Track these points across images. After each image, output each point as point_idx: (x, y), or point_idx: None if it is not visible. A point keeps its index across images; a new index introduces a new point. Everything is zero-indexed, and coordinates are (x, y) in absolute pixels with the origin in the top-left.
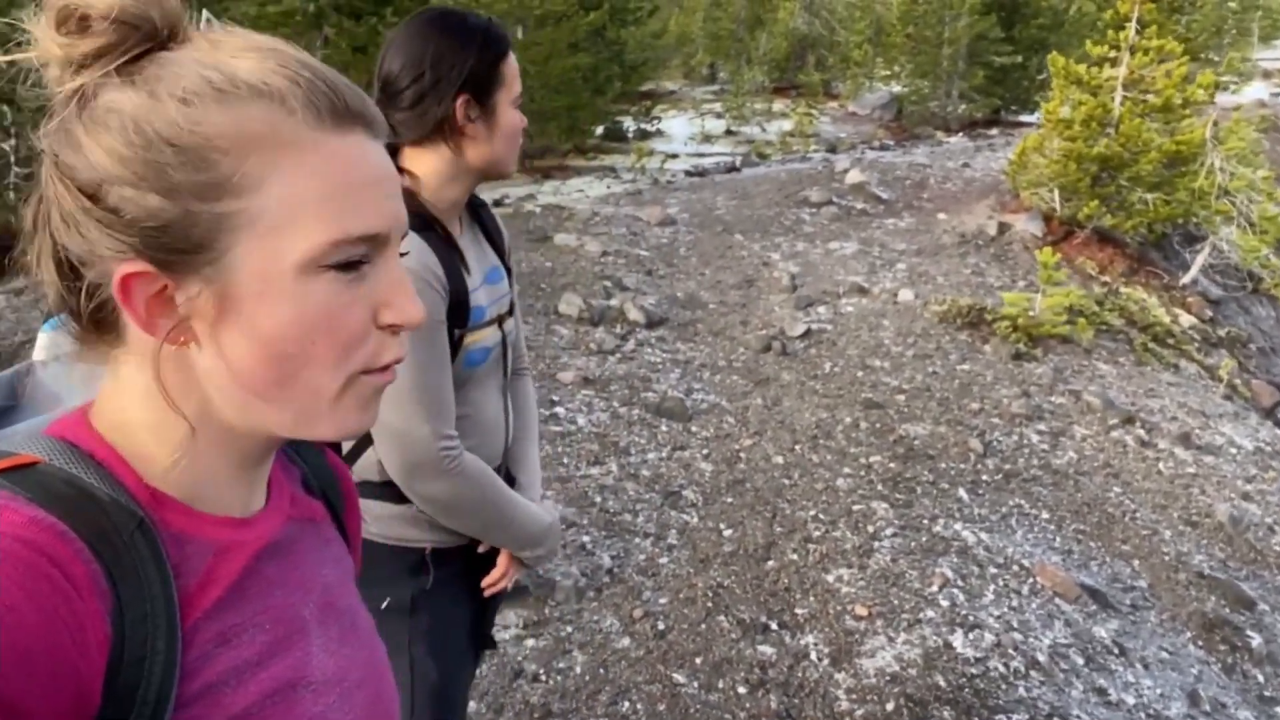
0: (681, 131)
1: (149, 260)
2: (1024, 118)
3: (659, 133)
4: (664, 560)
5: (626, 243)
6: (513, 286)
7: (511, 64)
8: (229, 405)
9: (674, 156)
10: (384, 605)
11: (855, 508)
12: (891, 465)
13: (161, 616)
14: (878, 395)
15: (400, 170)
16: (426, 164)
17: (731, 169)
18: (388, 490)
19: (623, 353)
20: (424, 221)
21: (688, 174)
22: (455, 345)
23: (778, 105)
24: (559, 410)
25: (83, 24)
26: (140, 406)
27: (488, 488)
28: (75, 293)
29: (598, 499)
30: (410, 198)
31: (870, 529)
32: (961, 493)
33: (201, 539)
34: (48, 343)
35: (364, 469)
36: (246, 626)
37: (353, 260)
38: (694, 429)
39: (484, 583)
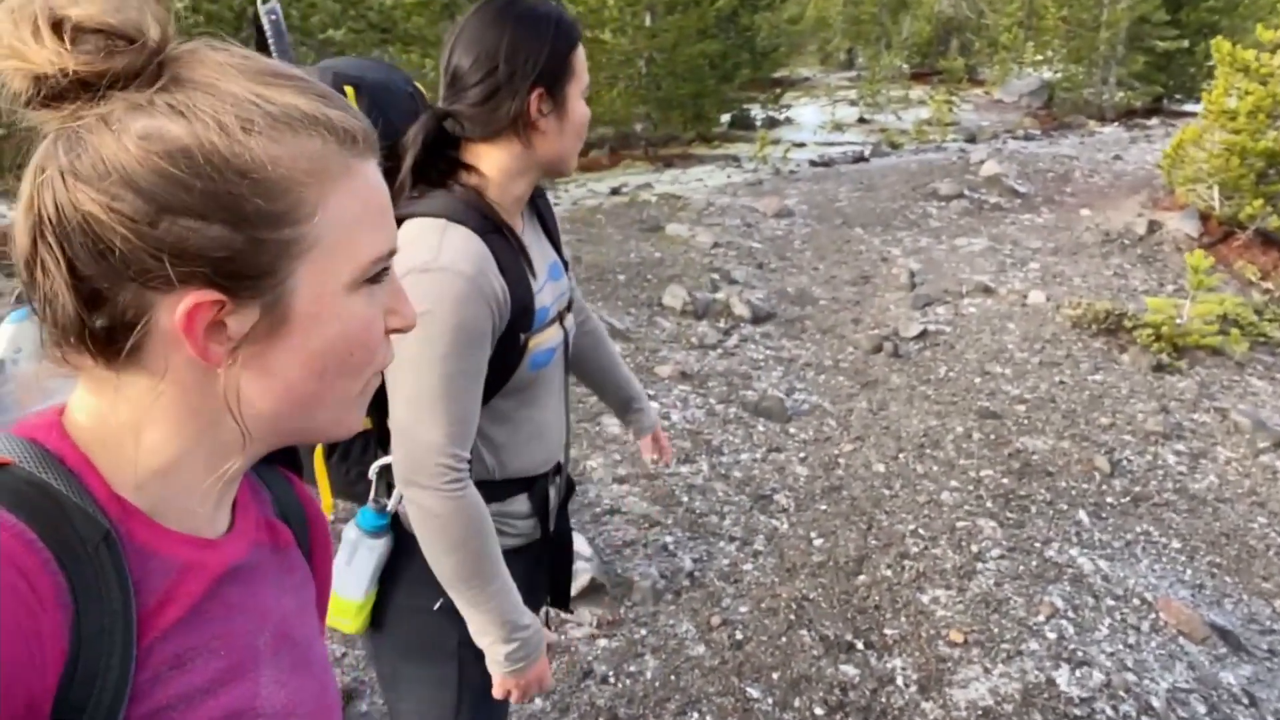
0: (812, 120)
1: (217, 289)
2: (1189, 107)
3: (788, 121)
4: (748, 566)
5: (739, 234)
6: (571, 279)
7: (581, 55)
8: (258, 420)
9: (801, 145)
10: (436, 606)
11: (960, 524)
12: (1004, 481)
13: (119, 633)
14: (995, 404)
15: (467, 166)
16: (494, 160)
17: (859, 159)
18: None
19: (725, 348)
20: (492, 224)
21: (812, 164)
22: (521, 349)
23: (916, 92)
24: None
25: (86, 35)
26: (141, 425)
27: (476, 535)
28: (94, 321)
29: (685, 498)
30: (478, 197)
31: (974, 549)
32: (1081, 515)
33: (165, 556)
34: (12, 334)
35: None
36: (201, 651)
37: (379, 274)
38: (792, 430)
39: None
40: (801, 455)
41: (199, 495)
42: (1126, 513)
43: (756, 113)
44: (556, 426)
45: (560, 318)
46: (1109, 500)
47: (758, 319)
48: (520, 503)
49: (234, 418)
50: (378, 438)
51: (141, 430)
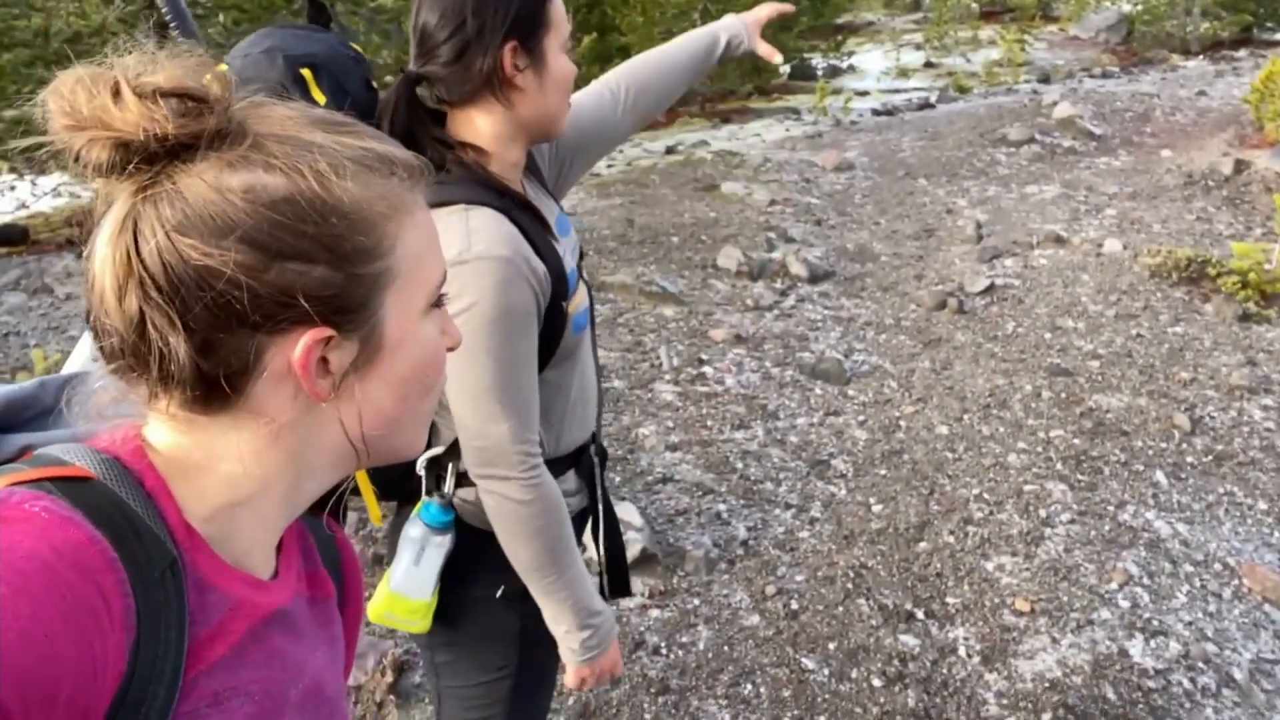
0: (876, 66)
1: (327, 325)
2: None
3: (851, 69)
4: (804, 534)
5: (797, 190)
6: (579, 143)
7: (558, 4)
8: (357, 443)
9: (864, 94)
10: (498, 594)
11: (1027, 488)
12: (1075, 441)
13: (170, 662)
14: (1066, 361)
15: (460, 143)
16: (484, 128)
17: (924, 105)
18: None
19: (781, 309)
20: (511, 199)
21: (875, 113)
22: (564, 317)
23: (986, 33)
24: (706, 370)
25: (169, 102)
26: (224, 458)
27: (555, 522)
28: (201, 368)
29: (739, 465)
30: (485, 174)
31: (1043, 513)
32: (1159, 476)
33: (222, 590)
34: (93, 351)
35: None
36: (238, 693)
37: (441, 297)
38: (851, 393)
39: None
40: (861, 419)
41: (267, 529)
42: (1208, 473)
43: (817, 62)
44: (593, 386)
45: (580, 271)
46: (1189, 460)
47: (815, 278)
48: (570, 479)
49: (351, 442)
50: None
51: (222, 463)
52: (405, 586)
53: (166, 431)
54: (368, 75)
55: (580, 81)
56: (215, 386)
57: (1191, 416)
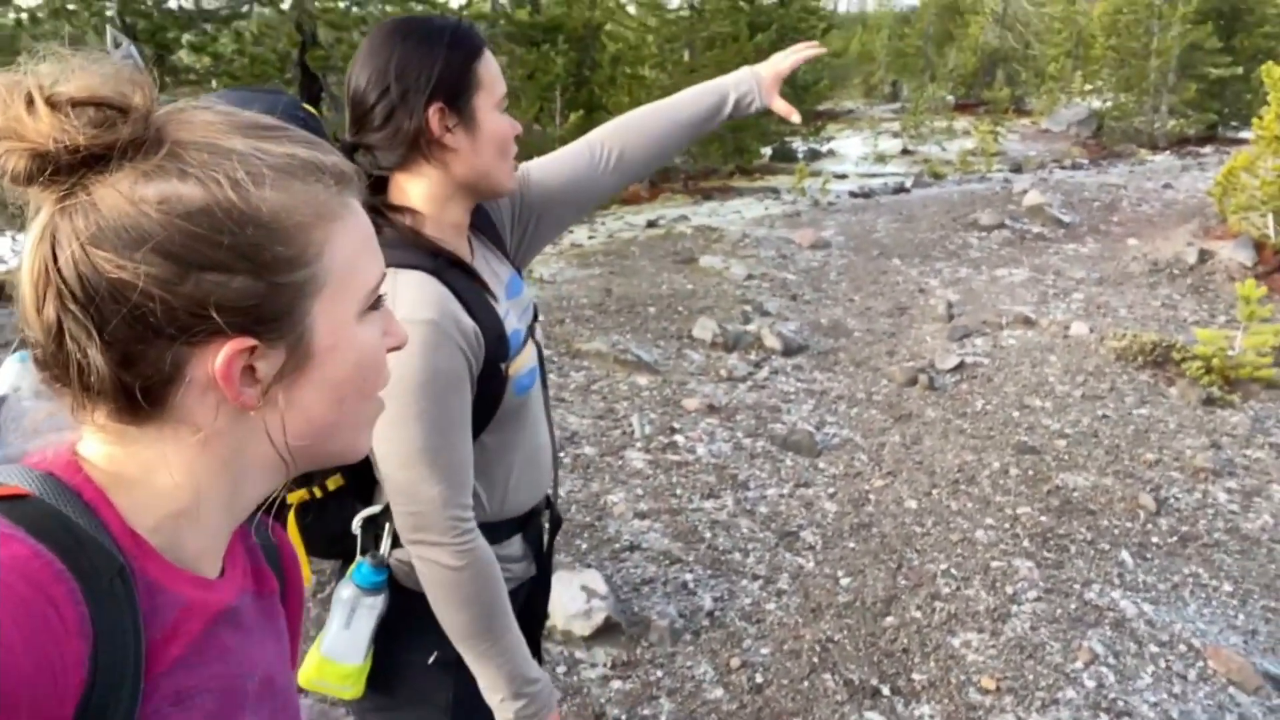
0: (855, 151)
1: (249, 335)
2: (1245, 134)
3: (831, 153)
4: (771, 606)
5: (774, 266)
6: (542, 188)
7: (489, 64)
8: (290, 449)
9: (843, 177)
10: (430, 660)
11: (994, 564)
12: (1042, 519)
13: (129, 666)
14: (1034, 439)
15: (394, 208)
16: (416, 190)
17: (900, 190)
18: None
19: (754, 381)
20: (443, 260)
21: (852, 195)
22: (503, 379)
23: (961, 123)
24: (678, 438)
25: (80, 109)
26: (157, 469)
27: (488, 589)
28: (123, 380)
29: (708, 534)
30: (416, 237)
31: (1009, 590)
32: (1124, 555)
33: (173, 592)
34: (15, 373)
35: None
36: (198, 690)
37: (379, 300)
38: (822, 465)
39: None
40: (831, 491)
41: (212, 536)
42: (1173, 553)
43: (798, 145)
44: (546, 451)
45: (530, 333)
46: (1154, 540)
47: (789, 351)
48: (515, 544)
49: (278, 451)
50: (354, 491)
51: (156, 474)
52: (335, 650)
53: (99, 444)
54: (312, 125)
55: None
56: (138, 398)
57: (1157, 497)
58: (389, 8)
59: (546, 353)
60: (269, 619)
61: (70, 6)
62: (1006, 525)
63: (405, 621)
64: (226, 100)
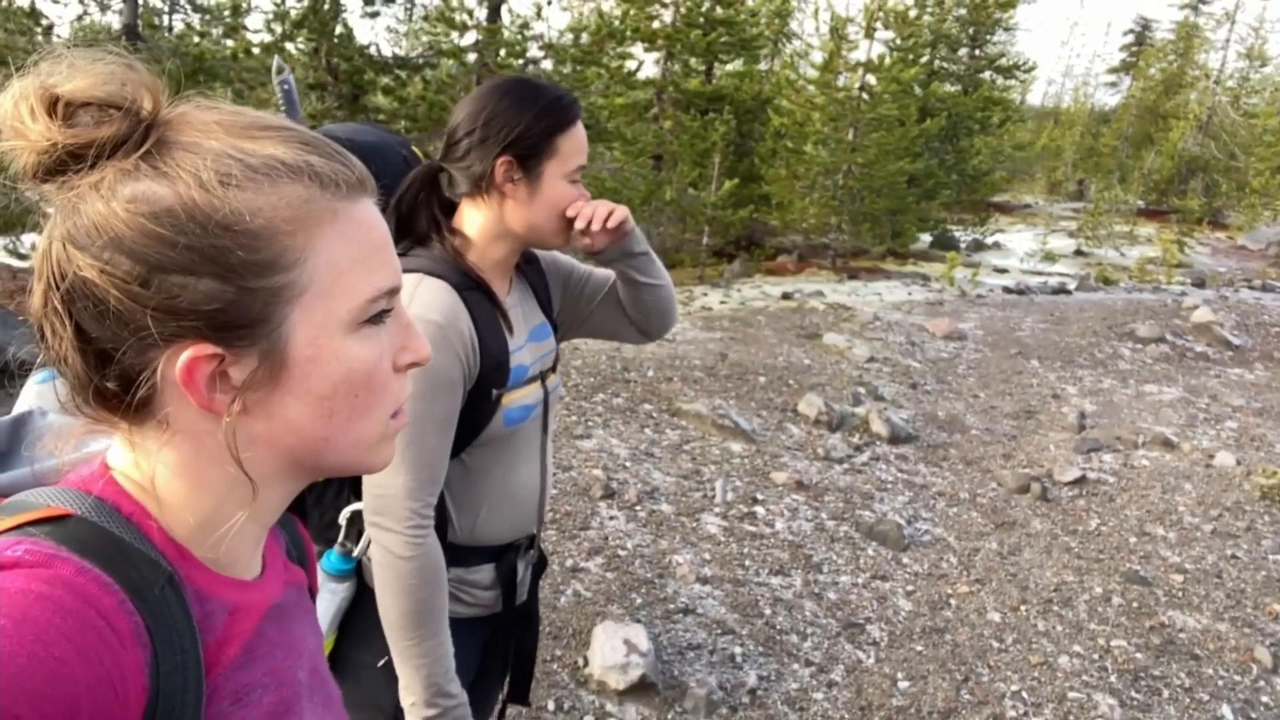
0: (1022, 247)
1: (212, 341)
2: None
3: (996, 245)
4: (819, 695)
5: (900, 352)
6: (578, 291)
7: (573, 138)
8: (276, 463)
9: (1003, 271)
10: (380, 663)
11: (1072, 695)
12: (1137, 656)
13: (191, 671)
14: (1147, 569)
15: (452, 230)
16: (474, 221)
17: (1059, 290)
18: None
19: (852, 464)
20: (470, 281)
21: (1005, 290)
22: (494, 404)
23: (1146, 230)
24: (759, 510)
25: (78, 110)
26: (173, 477)
27: (430, 585)
28: (105, 379)
29: (767, 610)
30: (456, 257)
31: None
32: (1225, 711)
33: (218, 598)
34: (37, 394)
35: None
36: (256, 686)
37: (380, 313)
38: (905, 560)
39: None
40: (909, 588)
41: (239, 541)
42: None
43: (961, 234)
44: (530, 491)
45: (542, 377)
46: (1264, 700)
47: (896, 439)
48: (485, 572)
49: (237, 464)
50: (351, 483)
51: (175, 481)
52: None
53: (121, 451)
54: (412, 162)
55: (719, 223)
56: (121, 398)
57: (1276, 654)
58: (564, 68)
59: (646, 408)
60: (306, 611)
61: (287, 45)
62: (1095, 656)
63: (362, 622)
64: (334, 133)
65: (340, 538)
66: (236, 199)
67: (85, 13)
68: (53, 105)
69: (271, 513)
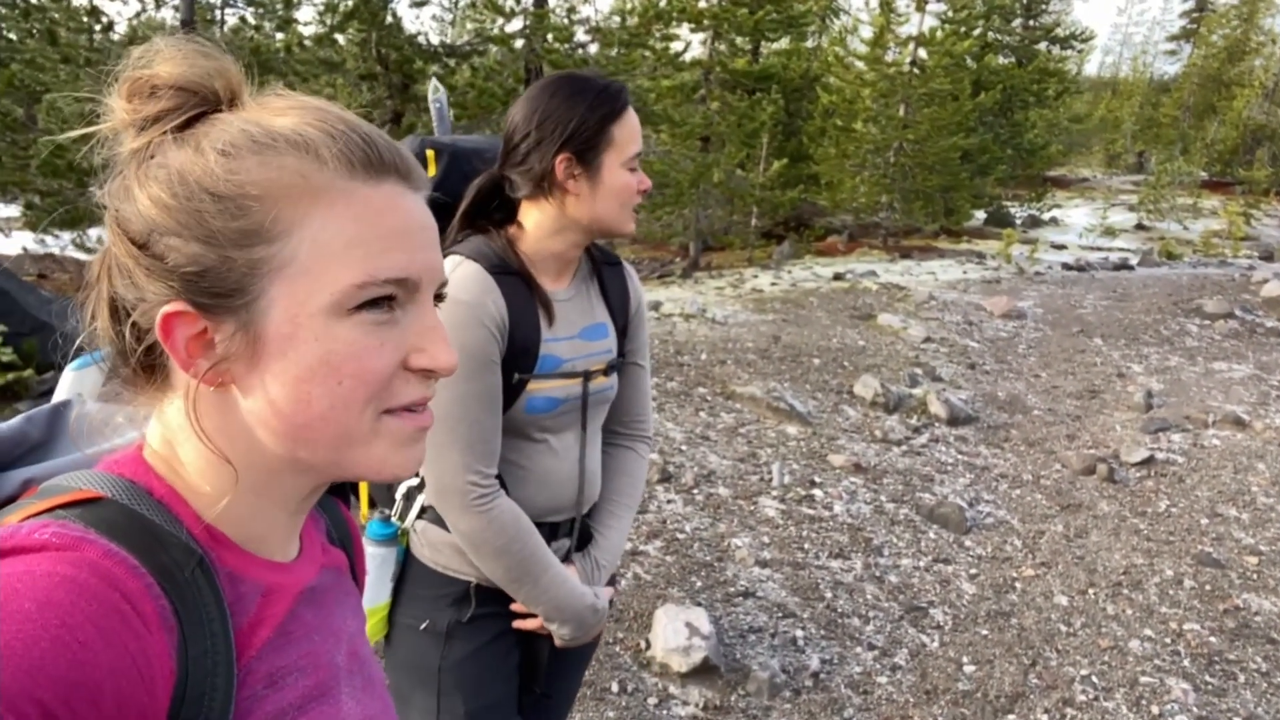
0: (1081, 222)
1: (189, 303)
2: None
3: (1054, 221)
4: (882, 679)
5: (957, 331)
6: (628, 344)
7: (625, 125)
8: (272, 444)
9: (1062, 248)
10: (422, 626)
11: (1144, 679)
12: (1211, 640)
13: (221, 654)
14: (1220, 551)
15: (513, 222)
16: (532, 217)
17: (1121, 266)
18: (442, 518)
19: (910, 446)
20: (510, 267)
21: (1065, 267)
22: (518, 388)
23: (1210, 202)
24: (817, 493)
25: (152, 92)
26: (188, 448)
27: (515, 540)
28: (124, 339)
29: (828, 594)
30: (506, 245)
31: (1155, 710)
32: None
33: (251, 579)
34: (72, 381)
35: (429, 496)
36: (291, 670)
37: (380, 303)
38: (967, 543)
39: (514, 608)
40: (972, 572)
41: (270, 521)
42: None
43: (1017, 210)
44: (564, 480)
45: (586, 376)
46: None
47: (955, 421)
48: None
49: (199, 437)
50: None
51: (195, 458)
52: None
53: (155, 439)
54: None
55: (768, 204)
56: (133, 354)
57: None
58: (610, 51)
59: (700, 391)
60: (346, 594)
61: (336, 37)
62: (1168, 640)
63: (407, 588)
64: (436, 140)
65: (394, 510)
66: (225, 165)
67: (143, 9)
68: (137, 90)
69: (296, 499)
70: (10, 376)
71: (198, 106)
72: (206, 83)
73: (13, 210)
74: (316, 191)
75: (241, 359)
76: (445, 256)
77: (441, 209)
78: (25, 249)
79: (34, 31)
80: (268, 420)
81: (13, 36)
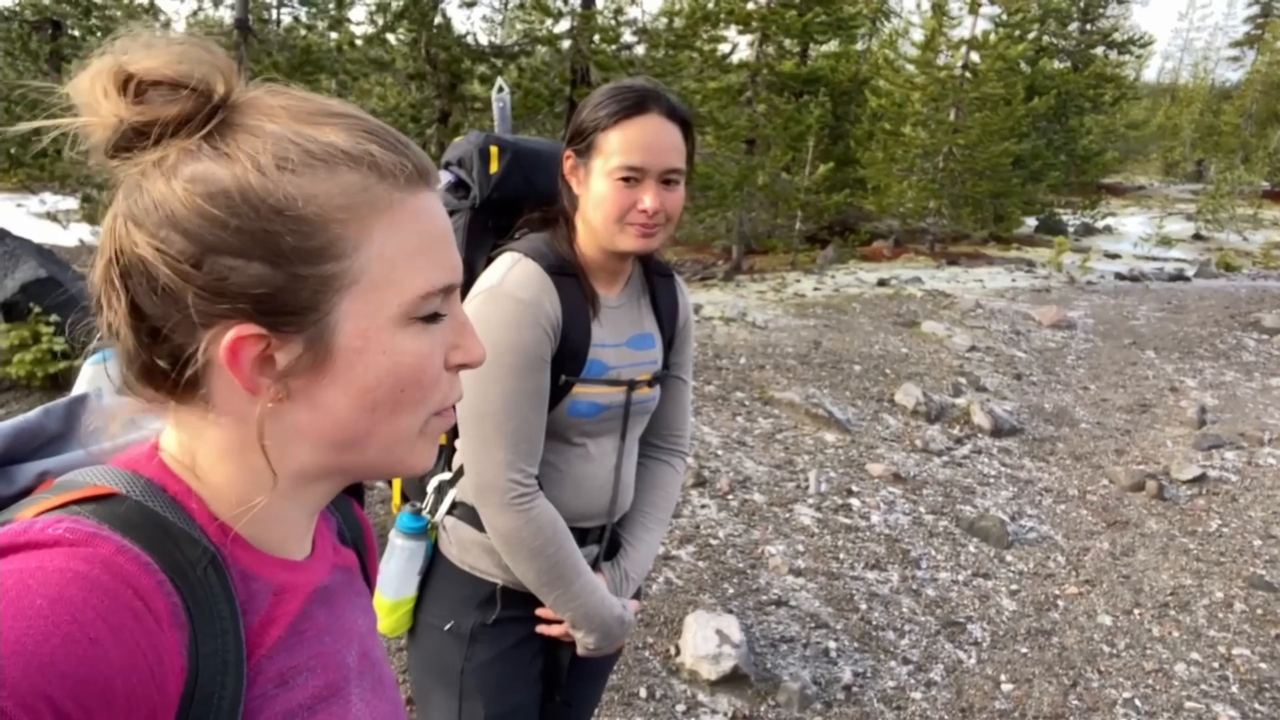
0: (1136, 231)
1: (258, 324)
2: None
3: (1107, 229)
4: (916, 695)
5: (1004, 341)
6: (672, 358)
7: (623, 133)
8: (316, 453)
9: (1115, 257)
10: (446, 627)
11: (1189, 704)
12: (1262, 666)
13: (232, 652)
14: (1273, 574)
15: (570, 223)
16: (580, 222)
17: (1177, 277)
18: (473, 515)
19: (952, 457)
20: (569, 266)
21: (1118, 277)
22: (563, 390)
23: (1272, 213)
24: (854, 502)
25: (149, 89)
26: (218, 458)
27: (551, 542)
28: (155, 356)
29: (863, 605)
30: (567, 244)
31: None
32: None
33: (264, 578)
34: (92, 375)
35: (462, 492)
36: (301, 670)
37: (435, 310)
38: (1009, 558)
39: (539, 612)
40: (1013, 588)
41: (288, 522)
42: None
43: (1069, 218)
44: (599, 487)
45: (631, 385)
46: None
47: (999, 432)
48: None
49: (261, 449)
50: (448, 452)
51: (219, 462)
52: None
53: (171, 432)
54: None
55: (813, 208)
56: (169, 376)
57: None
58: (656, 52)
59: (738, 395)
60: (357, 594)
61: (387, 36)
62: (1216, 665)
63: (432, 585)
64: (499, 137)
65: (426, 505)
66: (291, 184)
67: (200, 8)
68: (125, 83)
69: (317, 501)
70: (63, 365)
71: (214, 109)
72: (213, 83)
73: (71, 202)
74: (377, 205)
75: (303, 374)
76: (503, 253)
77: (500, 207)
78: (82, 240)
79: (94, 29)
80: (323, 431)
81: (75, 33)
